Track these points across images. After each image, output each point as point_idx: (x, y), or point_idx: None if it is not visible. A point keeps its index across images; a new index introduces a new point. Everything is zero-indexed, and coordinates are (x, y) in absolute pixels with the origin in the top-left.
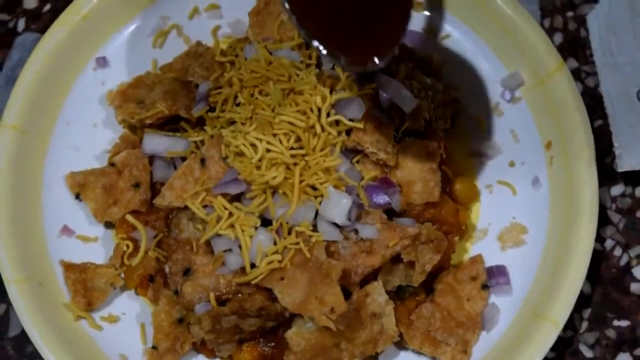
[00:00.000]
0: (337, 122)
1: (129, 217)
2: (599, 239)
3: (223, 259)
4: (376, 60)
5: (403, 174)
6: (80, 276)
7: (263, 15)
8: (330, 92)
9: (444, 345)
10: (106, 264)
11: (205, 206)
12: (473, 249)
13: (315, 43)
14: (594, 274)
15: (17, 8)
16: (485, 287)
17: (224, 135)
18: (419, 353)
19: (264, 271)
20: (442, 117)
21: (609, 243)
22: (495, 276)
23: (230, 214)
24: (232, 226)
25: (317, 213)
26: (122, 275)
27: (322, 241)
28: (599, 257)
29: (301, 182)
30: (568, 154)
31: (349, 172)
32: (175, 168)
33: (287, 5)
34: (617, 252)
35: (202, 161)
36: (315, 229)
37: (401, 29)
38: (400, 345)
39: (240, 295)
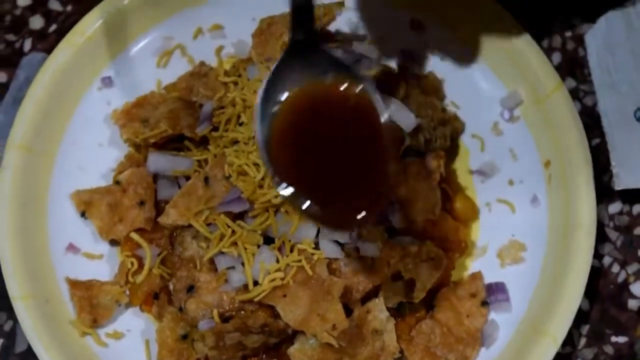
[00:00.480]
0: None
1: (134, 235)
2: (597, 256)
3: (226, 277)
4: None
5: (403, 192)
6: (85, 293)
7: (265, 36)
8: None
9: None
10: (111, 281)
11: (208, 224)
12: (473, 266)
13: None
14: (592, 290)
15: (23, 28)
16: (484, 303)
17: (227, 154)
18: None
19: (266, 288)
20: (441, 135)
21: (606, 260)
22: (494, 293)
23: (233, 232)
24: (235, 244)
25: (318, 231)
26: (127, 292)
27: (324, 259)
28: (597, 274)
29: None
30: (566, 172)
31: None
32: (180, 187)
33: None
34: (615, 269)
35: (206, 180)
36: (317, 246)
37: (373, 214)
38: None
39: (243, 312)
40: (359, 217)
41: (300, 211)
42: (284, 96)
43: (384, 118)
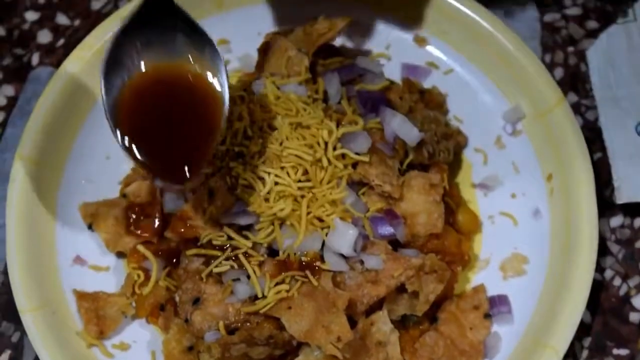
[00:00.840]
0: (343, 156)
1: (140, 248)
2: (599, 269)
3: (232, 289)
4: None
5: (407, 205)
6: (92, 305)
7: (271, 51)
8: (337, 126)
9: None
10: (118, 293)
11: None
12: (475, 278)
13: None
14: (594, 303)
15: (31, 43)
16: (487, 316)
17: (234, 168)
18: None
19: (272, 301)
20: (445, 149)
21: (608, 273)
22: (497, 305)
23: (236, 248)
24: (241, 256)
25: (323, 244)
26: (133, 304)
27: (329, 271)
28: (598, 287)
29: (308, 213)
30: (568, 186)
31: (355, 204)
32: (186, 199)
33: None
34: (617, 282)
35: (210, 193)
36: (321, 259)
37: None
38: None
39: (249, 324)
40: (185, 172)
41: (137, 162)
42: (133, 61)
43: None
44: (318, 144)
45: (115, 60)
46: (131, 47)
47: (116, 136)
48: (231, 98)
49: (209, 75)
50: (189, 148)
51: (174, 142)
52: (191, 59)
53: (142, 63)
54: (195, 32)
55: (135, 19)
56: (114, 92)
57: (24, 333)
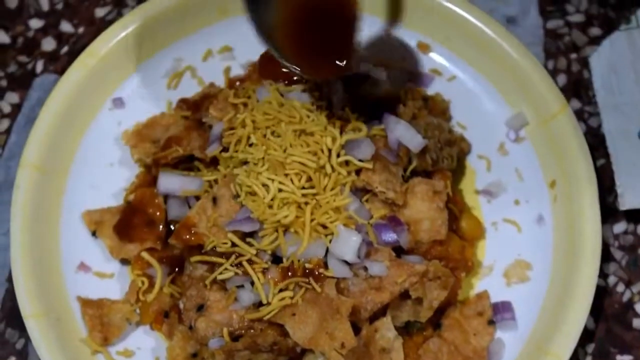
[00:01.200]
0: (347, 162)
1: (145, 254)
2: (602, 275)
3: (236, 295)
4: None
5: (411, 212)
6: (96, 311)
7: (275, 58)
8: (340, 133)
9: None
10: (122, 300)
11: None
12: (479, 285)
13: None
14: (597, 309)
15: (35, 50)
16: (491, 322)
17: (238, 174)
18: None
19: (275, 307)
20: (448, 156)
21: (611, 279)
22: (500, 312)
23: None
24: (245, 263)
25: (327, 250)
26: (138, 310)
27: (333, 278)
28: (602, 293)
29: (312, 220)
30: (571, 192)
31: (359, 210)
32: (190, 206)
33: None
34: (620, 288)
35: (214, 200)
36: (325, 266)
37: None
38: None
39: (252, 330)
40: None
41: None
42: None
43: None
44: (322, 151)
45: None
46: None
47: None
48: (234, 105)
49: None
50: (335, 42)
51: (320, 40)
52: None
53: None
54: None
55: None
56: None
57: (28, 340)
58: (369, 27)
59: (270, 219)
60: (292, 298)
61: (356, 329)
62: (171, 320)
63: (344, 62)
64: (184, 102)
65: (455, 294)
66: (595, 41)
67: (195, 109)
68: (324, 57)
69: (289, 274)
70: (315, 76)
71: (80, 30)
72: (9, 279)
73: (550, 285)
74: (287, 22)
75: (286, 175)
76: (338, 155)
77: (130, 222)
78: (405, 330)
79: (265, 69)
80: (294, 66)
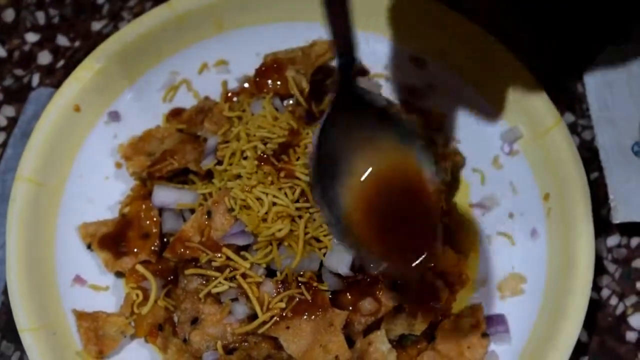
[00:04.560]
0: None
1: (139, 267)
2: (596, 288)
3: (230, 308)
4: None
5: None
6: (92, 324)
7: (269, 72)
8: None
9: None
10: (117, 313)
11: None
12: (473, 297)
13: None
14: (590, 322)
15: (31, 64)
16: (485, 335)
17: (232, 188)
18: None
19: (267, 319)
20: (442, 169)
21: (605, 292)
22: (494, 325)
23: (234, 269)
24: (239, 277)
25: (321, 264)
26: (133, 323)
27: (326, 291)
28: (595, 306)
29: (306, 234)
30: (565, 205)
31: None
32: (185, 219)
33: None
34: (614, 301)
35: (209, 213)
36: (319, 279)
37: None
38: None
39: (247, 343)
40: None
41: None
42: (340, 159)
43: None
44: None
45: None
46: (332, 140)
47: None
48: (229, 119)
49: (415, 160)
50: (417, 240)
51: (399, 231)
52: (394, 147)
53: (351, 162)
54: (388, 118)
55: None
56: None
57: (23, 353)
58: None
59: (264, 233)
60: (284, 309)
61: (350, 342)
62: (165, 333)
63: (424, 257)
64: (174, 113)
65: (450, 306)
66: (590, 56)
67: (185, 120)
68: (404, 251)
69: (283, 287)
70: (400, 272)
71: (77, 44)
72: (5, 292)
73: (544, 298)
74: (361, 211)
75: (280, 189)
76: None
77: (123, 235)
78: (400, 343)
79: (260, 82)
80: (374, 260)
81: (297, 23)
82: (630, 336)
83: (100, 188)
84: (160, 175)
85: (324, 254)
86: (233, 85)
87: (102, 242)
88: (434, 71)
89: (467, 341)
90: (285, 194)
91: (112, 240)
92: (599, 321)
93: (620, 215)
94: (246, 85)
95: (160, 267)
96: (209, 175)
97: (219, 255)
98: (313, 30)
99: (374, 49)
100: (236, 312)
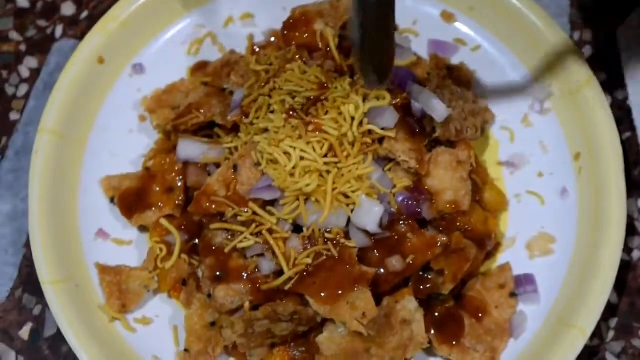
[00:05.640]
0: (370, 131)
1: (163, 222)
2: (626, 249)
3: (256, 264)
4: None
5: (434, 182)
6: (115, 279)
7: (298, 25)
8: (363, 101)
9: (473, 352)
10: (140, 267)
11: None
12: (501, 257)
13: None
14: (621, 284)
15: (54, 15)
16: (513, 295)
17: (259, 142)
18: (448, 359)
19: (293, 276)
20: (472, 126)
21: (636, 254)
22: (523, 284)
23: (260, 224)
24: (265, 232)
25: (349, 220)
26: (156, 278)
27: (354, 247)
28: (626, 268)
29: (334, 189)
30: (596, 165)
31: (381, 180)
32: (209, 174)
33: None
34: None
35: (235, 168)
36: (346, 236)
37: None
38: (430, 351)
39: (272, 300)
40: None
41: None
42: None
43: None
44: (344, 119)
45: None
46: None
47: None
48: (256, 72)
49: None
50: None
51: None
52: None
53: None
54: None
55: None
56: None
57: (45, 306)
58: None
59: (291, 187)
60: (309, 265)
61: (377, 300)
62: (189, 288)
63: None
64: (199, 66)
65: (478, 266)
66: (622, 13)
67: (211, 74)
68: None
69: (310, 243)
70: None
71: None
72: (27, 245)
73: (574, 258)
74: None
75: (308, 143)
76: (361, 124)
77: (147, 189)
78: (427, 302)
79: (288, 35)
80: None
81: None
82: None
83: (124, 141)
84: (185, 128)
85: (352, 211)
86: (259, 38)
87: (126, 196)
88: (463, 27)
89: (495, 301)
90: (314, 148)
91: (136, 194)
92: (629, 283)
93: None
94: (273, 39)
95: (184, 221)
96: (234, 129)
97: (245, 210)
98: None
99: (404, 5)
100: (262, 268)
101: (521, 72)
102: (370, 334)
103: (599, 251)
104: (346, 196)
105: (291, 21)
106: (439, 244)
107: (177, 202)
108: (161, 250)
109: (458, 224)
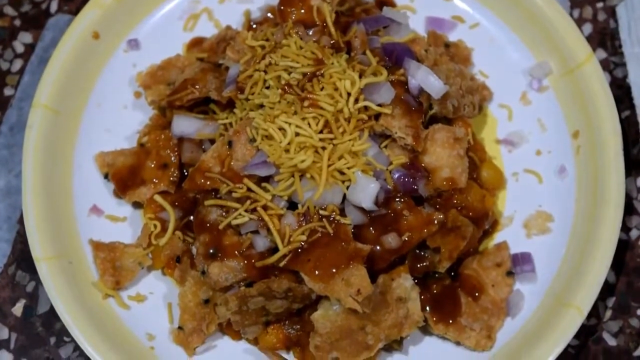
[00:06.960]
0: (366, 107)
1: (157, 198)
2: (624, 228)
3: (250, 241)
4: None
5: (430, 159)
6: (108, 255)
7: (293, 0)
8: (360, 77)
9: (469, 331)
10: (134, 244)
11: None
12: (499, 235)
13: None
14: (618, 263)
15: None
16: (510, 273)
17: (254, 118)
18: (444, 338)
19: (287, 252)
20: (469, 104)
21: (634, 233)
22: (520, 263)
23: (255, 200)
24: (260, 209)
25: (344, 197)
26: (150, 255)
27: (349, 224)
28: (623, 247)
29: (329, 166)
30: (595, 143)
31: (377, 156)
32: (204, 150)
33: None
34: None
35: (230, 143)
36: (342, 212)
37: None
38: (425, 330)
39: (266, 277)
40: None
41: None
42: None
43: None
44: (340, 95)
45: None
46: None
47: None
48: (252, 48)
49: None
50: None
51: None
52: None
53: None
54: None
55: None
56: None
57: (39, 282)
58: None
59: (286, 164)
60: (305, 242)
61: (373, 278)
62: (183, 265)
63: None
64: (194, 42)
65: (475, 244)
66: None
67: (206, 49)
68: None
69: (305, 220)
70: None
71: None
72: (21, 221)
73: (572, 237)
74: None
75: (303, 119)
76: (357, 100)
77: (141, 165)
78: (423, 280)
79: (284, 11)
80: None
81: None
82: None
83: (119, 117)
84: (180, 104)
85: (347, 187)
86: (256, 14)
87: (120, 172)
88: (461, 4)
89: (491, 279)
90: (309, 124)
91: (130, 170)
92: (627, 262)
93: None
94: (269, 15)
95: (178, 198)
96: (230, 105)
97: (240, 186)
98: None
99: None
100: (256, 244)
101: (520, 50)
102: (365, 311)
103: (597, 230)
104: (342, 172)
105: None
106: (435, 222)
107: (171, 178)
108: (155, 226)
109: (455, 201)
